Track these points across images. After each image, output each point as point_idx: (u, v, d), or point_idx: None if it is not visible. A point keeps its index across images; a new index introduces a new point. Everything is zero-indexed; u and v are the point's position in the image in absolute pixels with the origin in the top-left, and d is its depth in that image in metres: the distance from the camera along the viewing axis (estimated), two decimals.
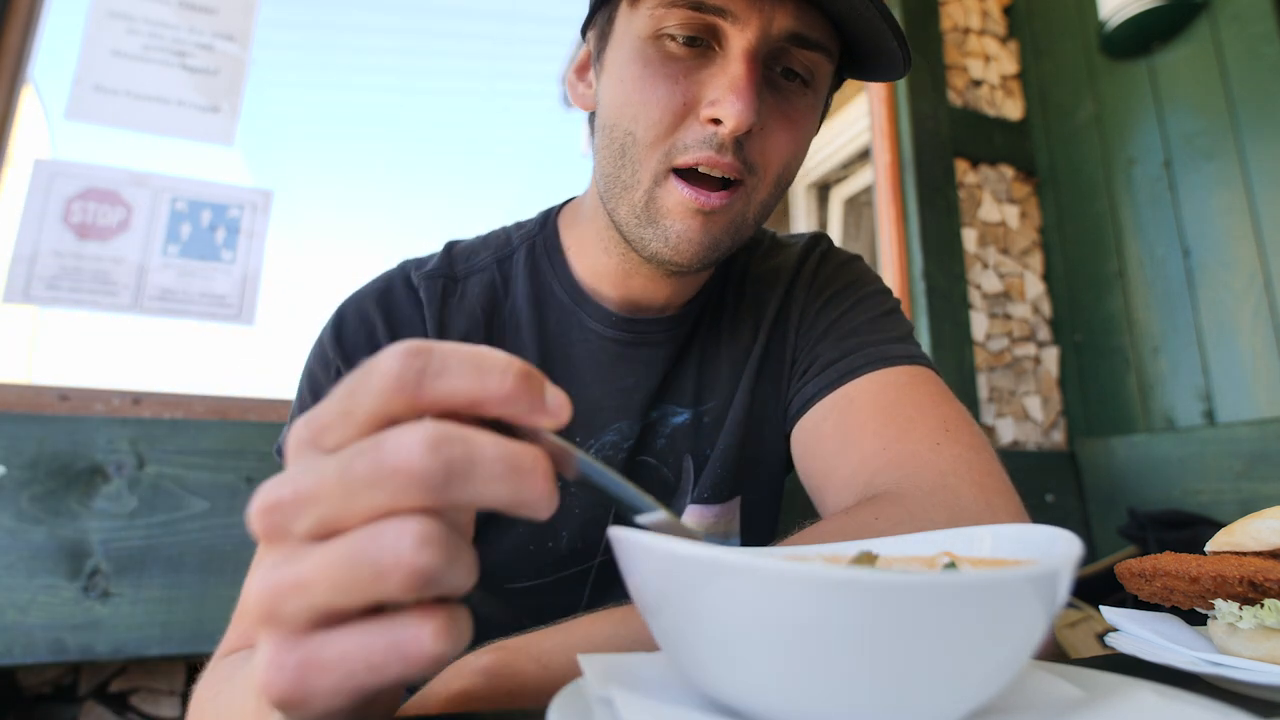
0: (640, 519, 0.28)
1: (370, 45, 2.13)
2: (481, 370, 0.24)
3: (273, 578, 0.23)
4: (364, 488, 0.23)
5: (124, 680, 1.34)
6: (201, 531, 1.21)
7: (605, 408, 0.67)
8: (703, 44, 0.55)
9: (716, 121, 0.54)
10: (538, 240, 0.71)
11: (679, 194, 0.56)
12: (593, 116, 0.65)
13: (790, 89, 0.58)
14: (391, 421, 0.24)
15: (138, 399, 1.27)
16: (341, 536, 0.23)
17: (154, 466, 1.21)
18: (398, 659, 0.23)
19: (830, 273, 0.74)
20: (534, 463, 0.24)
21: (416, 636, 0.23)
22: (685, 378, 0.70)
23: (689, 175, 0.56)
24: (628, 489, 0.28)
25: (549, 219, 0.73)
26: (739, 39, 0.53)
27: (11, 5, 1.33)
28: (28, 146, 1.38)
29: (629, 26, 0.57)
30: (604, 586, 0.69)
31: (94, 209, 1.37)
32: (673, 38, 0.55)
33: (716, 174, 0.55)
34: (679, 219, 0.57)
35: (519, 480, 0.24)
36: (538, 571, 0.68)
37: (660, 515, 0.28)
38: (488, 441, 0.24)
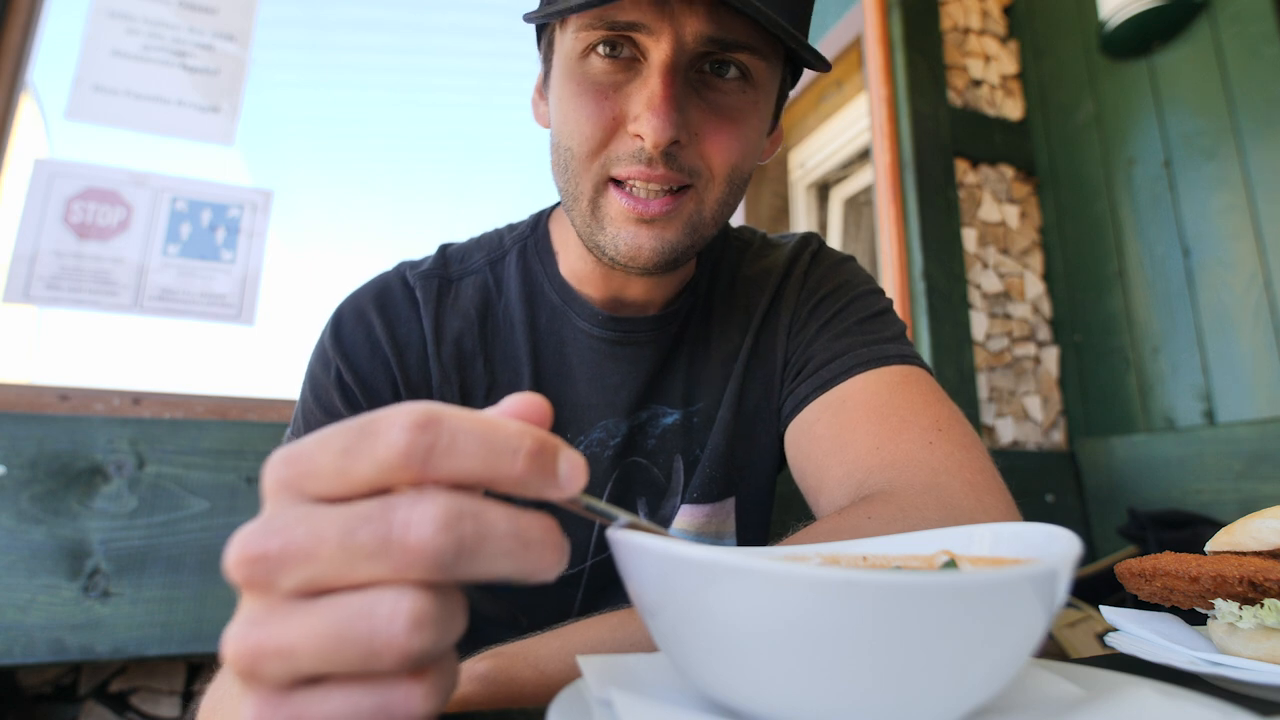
0: (609, 532, 0.28)
1: (370, 45, 2.13)
2: (493, 451, 0.23)
3: (253, 637, 0.22)
4: (366, 558, 0.22)
5: (124, 680, 1.34)
6: (201, 531, 1.21)
7: (593, 405, 0.68)
8: (628, 56, 0.55)
9: (641, 137, 0.54)
10: (529, 242, 0.72)
11: (619, 203, 0.57)
12: None
13: (726, 87, 0.57)
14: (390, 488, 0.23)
15: (138, 399, 1.27)
16: (329, 601, 0.22)
17: (154, 466, 1.21)
18: None
19: (822, 274, 0.74)
20: (543, 535, 0.24)
21: (406, 699, 0.22)
22: (674, 378, 0.70)
23: (628, 186, 0.57)
24: (590, 500, 0.27)
25: (540, 221, 0.74)
26: (656, 51, 0.53)
27: (11, 5, 1.33)
28: (27, 147, 1.38)
29: (562, 48, 0.58)
30: (597, 588, 0.70)
31: (94, 209, 1.37)
32: (600, 54, 0.55)
33: (654, 187, 0.56)
34: (622, 226, 0.57)
35: (527, 554, 0.23)
36: None
37: (624, 520, 0.28)
38: (499, 517, 0.23)
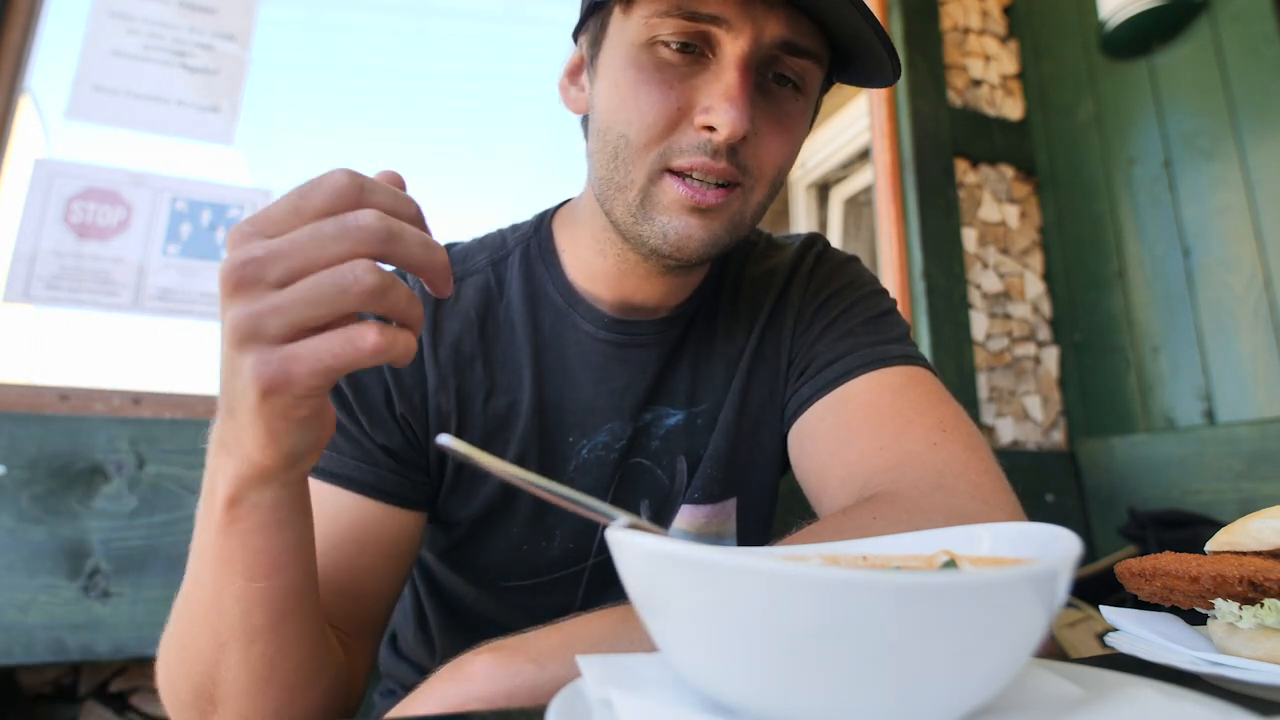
0: (608, 532, 0.28)
1: (371, 45, 2.13)
2: (397, 199, 0.36)
3: (255, 307, 0.33)
4: (331, 240, 0.33)
5: (124, 680, 1.34)
6: None
7: (598, 408, 0.67)
8: (696, 50, 0.55)
9: (710, 128, 0.54)
10: (532, 242, 0.71)
11: (675, 191, 0.56)
12: (586, 119, 0.65)
13: (782, 94, 0.58)
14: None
15: (138, 399, 1.27)
16: (311, 275, 0.33)
17: (154, 466, 1.21)
18: (352, 348, 0.33)
19: (826, 274, 0.73)
20: (432, 244, 0.36)
21: (363, 334, 0.33)
22: (678, 379, 0.70)
23: (685, 175, 0.56)
24: (589, 501, 0.28)
25: (544, 221, 0.73)
26: (732, 46, 0.53)
27: (11, 5, 1.33)
28: (27, 147, 1.38)
29: (622, 33, 0.57)
30: (598, 587, 0.69)
31: (94, 209, 1.37)
32: (666, 44, 0.55)
33: (712, 180, 0.56)
34: (676, 215, 0.57)
35: (430, 250, 0.36)
36: (531, 571, 0.68)
37: (624, 521, 0.28)
38: (409, 225, 0.36)
